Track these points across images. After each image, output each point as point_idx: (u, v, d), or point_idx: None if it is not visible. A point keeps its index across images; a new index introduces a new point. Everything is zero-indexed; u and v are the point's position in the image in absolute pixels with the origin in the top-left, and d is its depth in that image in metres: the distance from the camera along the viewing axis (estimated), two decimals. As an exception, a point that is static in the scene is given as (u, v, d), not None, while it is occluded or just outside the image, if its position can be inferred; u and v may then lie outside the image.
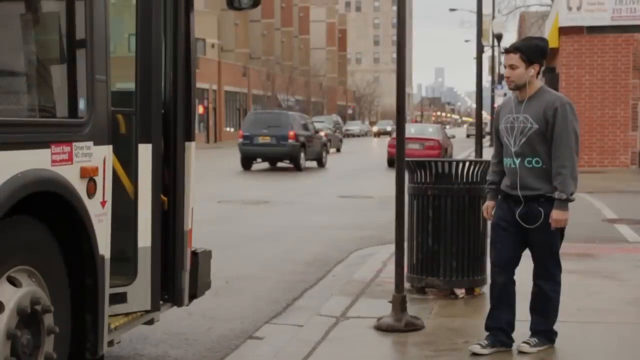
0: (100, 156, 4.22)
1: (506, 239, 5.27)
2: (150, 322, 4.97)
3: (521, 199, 5.15)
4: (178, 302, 5.16)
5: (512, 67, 5.14)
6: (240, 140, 26.12)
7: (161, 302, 4.96)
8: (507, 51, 5.23)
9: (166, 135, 4.95)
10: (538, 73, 5.21)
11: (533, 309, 5.40)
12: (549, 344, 5.37)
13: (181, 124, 5.04)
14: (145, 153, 4.64)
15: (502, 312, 5.34)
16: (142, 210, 4.69)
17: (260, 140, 25.74)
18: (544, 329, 5.37)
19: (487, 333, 5.36)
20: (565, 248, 9.76)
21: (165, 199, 4.97)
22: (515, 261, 5.34)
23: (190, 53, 5.03)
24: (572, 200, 5.09)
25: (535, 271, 5.37)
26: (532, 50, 5.14)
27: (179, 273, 5.08)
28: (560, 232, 5.26)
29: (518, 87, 5.18)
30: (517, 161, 5.17)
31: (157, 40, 4.78)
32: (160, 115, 4.54)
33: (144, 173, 4.67)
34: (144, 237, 4.67)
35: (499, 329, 5.33)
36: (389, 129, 59.23)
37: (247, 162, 26.25)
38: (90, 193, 4.12)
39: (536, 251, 5.31)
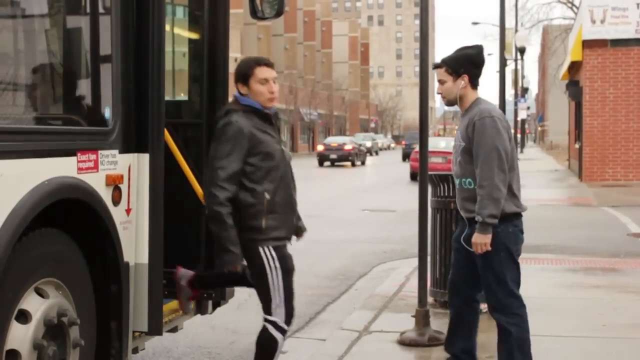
0: (126, 164, 4.26)
1: (458, 261, 4.94)
2: (174, 330, 5.02)
3: (466, 220, 4.83)
4: (202, 310, 5.22)
5: (440, 82, 4.83)
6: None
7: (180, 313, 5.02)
8: (434, 66, 4.92)
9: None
10: (473, 83, 4.82)
11: (498, 343, 4.89)
12: None
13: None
14: (142, 163, 4.44)
15: (458, 339, 4.99)
16: (140, 224, 4.47)
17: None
18: None
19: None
20: (590, 262, 9.78)
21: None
22: (469, 284, 4.91)
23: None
24: (491, 224, 4.58)
25: (487, 302, 4.90)
26: (457, 61, 4.78)
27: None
28: (507, 259, 4.71)
29: (451, 102, 4.84)
30: (457, 181, 4.86)
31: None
32: (162, 124, 4.50)
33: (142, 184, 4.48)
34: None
35: (455, 355, 5.03)
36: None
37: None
38: (116, 201, 4.17)
39: (482, 278, 4.79)
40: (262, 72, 4.53)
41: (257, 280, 4.51)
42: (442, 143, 26.77)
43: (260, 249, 4.43)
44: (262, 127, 4.49)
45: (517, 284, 4.78)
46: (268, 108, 4.57)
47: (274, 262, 4.46)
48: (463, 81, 4.77)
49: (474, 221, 4.69)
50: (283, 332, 4.50)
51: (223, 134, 4.42)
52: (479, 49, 4.88)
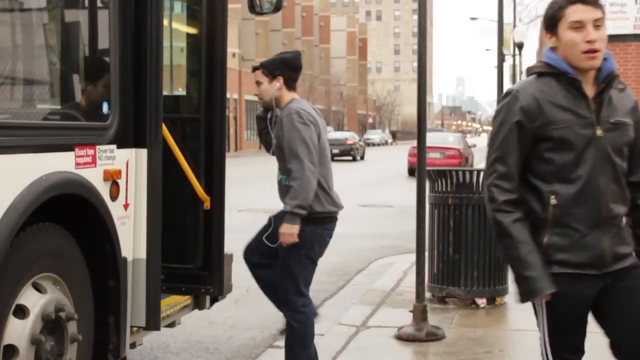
0: (124, 159, 4.26)
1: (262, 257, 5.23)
2: (171, 325, 5.04)
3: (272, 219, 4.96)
4: (200, 305, 5.23)
5: (257, 83, 5.03)
6: None
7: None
8: (253, 69, 5.10)
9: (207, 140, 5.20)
10: (288, 85, 4.96)
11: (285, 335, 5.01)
12: None
13: (218, 130, 5.21)
14: (140, 158, 4.43)
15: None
16: (138, 219, 4.45)
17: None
18: None
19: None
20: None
21: (208, 198, 5.16)
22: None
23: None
24: (299, 215, 4.67)
25: (278, 293, 5.03)
26: (273, 64, 4.99)
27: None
28: (306, 258, 4.84)
29: (267, 103, 5.00)
30: (277, 179, 5.05)
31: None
32: (160, 119, 4.50)
33: (140, 179, 4.46)
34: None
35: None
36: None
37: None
38: (113, 196, 4.17)
39: (279, 269, 4.91)
40: (575, 12, 3.06)
41: None
42: (450, 138, 26.80)
43: None
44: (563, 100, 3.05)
45: (308, 283, 4.91)
46: (584, 70, 3.10)
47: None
48: (278, 83, 4.94)
49: (283, 214, 4.82)
50: None
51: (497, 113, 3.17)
52: (295, 54, 5.12)
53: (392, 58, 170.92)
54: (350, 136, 45.53)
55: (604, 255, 3.02)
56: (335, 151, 43.10)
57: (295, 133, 4.73)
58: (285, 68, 4.96)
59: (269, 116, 5.09)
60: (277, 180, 5.01)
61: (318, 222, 4.81)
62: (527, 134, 3.01)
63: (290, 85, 4.98)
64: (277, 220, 4.94)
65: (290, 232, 4.69)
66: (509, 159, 3.05)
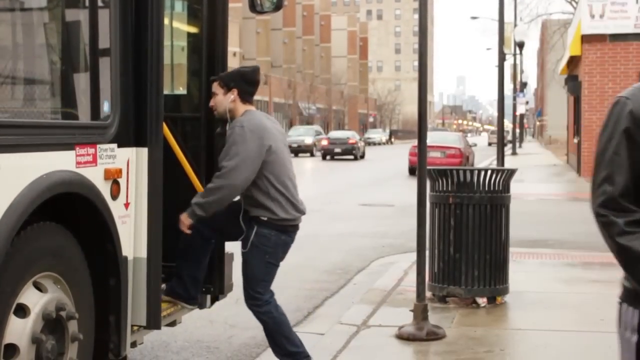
0: (124, 158, 4.26)
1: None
2: (172, 324, 5.05)
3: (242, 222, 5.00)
4: (200, 304, 5.24)
5: (213, 94, 5.07)
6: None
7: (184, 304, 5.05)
8: (211, 80, 5.13)
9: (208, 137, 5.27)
10: (242, 98, 5.00)
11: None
12: None
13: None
14: (141, 157, 4.43)
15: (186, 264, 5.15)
16: (139, 218, 4.46)
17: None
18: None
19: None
20: (588, 257, 9.78)
21: None
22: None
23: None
24: (197, 215, 4.83)
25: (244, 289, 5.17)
26: (229, 76, 5.05)
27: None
28: (266, 261, 4.97)
29: (221, 114, 5.04)
30: None
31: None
32: (161, 118, 4.50)
33: (140, 178, 4.47)
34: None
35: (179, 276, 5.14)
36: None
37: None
38: (114, 195, 4.17)
39: (243, 267, 5.08)
40: None
41: None
42: (434, 137, 26.76)
43: None
44: None
45: (269, 284, 5.05)
46: None
47: None
48: (232, 95, 4.97)
49: (253, 220, 4.90)
50: None
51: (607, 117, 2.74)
52: (254, 69, 5.14)
53: (393, 57, 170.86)
54: (351, 135, 46.00)
55: None
56: (338, 150, 43.54)
57: (229, 145, 4.81)
58: (241, 81, 5.00)
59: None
60: None
61: (282, 229, 4.94)
62: (637, 144, 2.53)
63: (245, 98, 5.02)
64: (248, 227, 4.97)
65: (184, 222, 4.87)
66: (620, 176, 2.58)
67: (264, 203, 4.88)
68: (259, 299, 5.00)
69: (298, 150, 47.08)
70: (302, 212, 5.05)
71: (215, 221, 5.01)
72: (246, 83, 5.01)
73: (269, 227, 4.91)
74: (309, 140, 48.49)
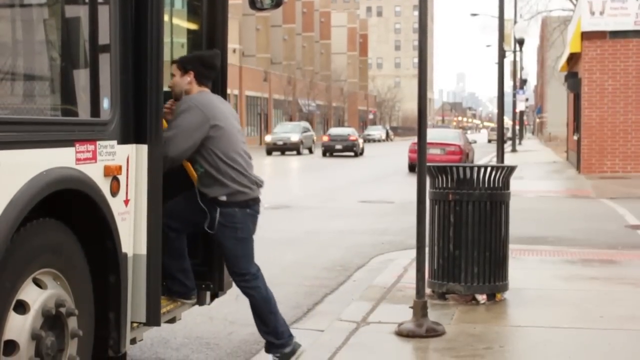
0: (124, 155, 4.26)
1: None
2: (172, 321, 5.06)
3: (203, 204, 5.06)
4: (200, 301, 5.24)
5: (172, 75, 5.17)
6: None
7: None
8: (172, 62, 5.23)
9: None
10: (199, 80, 5.10)
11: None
12: None
13: None
14: (141, 154, 4.43)
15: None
16: (139, 215, 4.45)
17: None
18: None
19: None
20: (587, 254, 9.78)
21: None
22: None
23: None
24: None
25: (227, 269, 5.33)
26: (187, 58, 5.17)
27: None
28: (240, 237, 5.10)
29: (177, 95, 5.14)
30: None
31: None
32: (161, 115, 4.50)
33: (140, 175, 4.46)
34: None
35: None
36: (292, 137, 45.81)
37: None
38: (114, 191, 4.17)
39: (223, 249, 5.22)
40: None
41: None
42: (433, 134, 26.72)
43: None
44: None
45: (251, 258, 5.21)
46: None
47: None
48: (189, 77, 5.09)
49: (213, 202, 5.00)
50: None
51: None
52: (213, 53, 5.24)
53: (393, 54, 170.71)
54: (352, 132, 46.25)
55: None
56: (339, 147, 43.67)
57: (176, 119, 4.94)
58: (198, 64, 5.11)
59: None
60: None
61: (243, 205, 5.08)
62: None
63: (201, 81, 5.13)
64: (210, 209, 5.05)
65: None
66: None
67: (216, 179, 4.98)
68: (246, 274, 5.16)
69: (284, 148, 45.29)
70: (257, 184, 5.14)
71: (180, 215, 5.08)
72: (203, 66, 5.13)
73: (230, 206, 5.03)
74: (295, 138, 45.86)
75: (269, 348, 5.32)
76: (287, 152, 45.50)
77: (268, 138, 47.22)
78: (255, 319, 5.29)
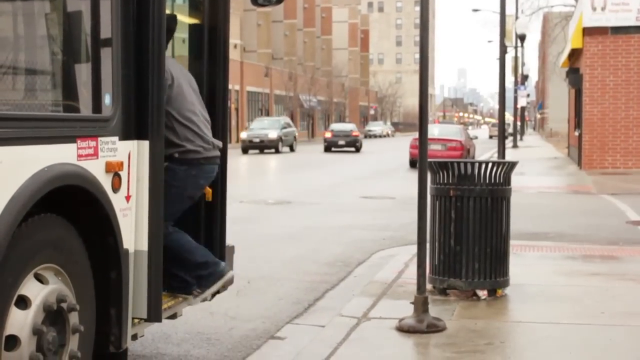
0: (126, 151, 4.27)
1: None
2: (173, 317, 5.05)
3: None
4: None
5: None
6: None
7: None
8: None
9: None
10: None
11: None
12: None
13: (220, 122, 5.37)
14: (142, 150, 4.43)
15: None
16: (140, 211, 4.45)
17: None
18: None
19: None
20: (588, 250, 9.80)
21: (210, 190, 5.25)
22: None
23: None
24: None
25: None
26: None
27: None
28: (172, 193, 4.93)
29: None
30: None
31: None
32: (162, 111, 4.51)
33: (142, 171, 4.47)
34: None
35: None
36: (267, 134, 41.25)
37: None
38: (115, 188, 4.17)
39: None
40: None
41: None
42: (435, 130, 26.76)
43: None
44: None
45: (174, 216, 5.03)
46: None
47: None
48: None
49: (168, 160, 4.87)
50: None
51: None
52: (170, 16, 5.05)
53: (394, 50, 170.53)
54: (353, 127, 46.68)
55: None
56: (342, 142, 43.91)
57: None
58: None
59: None
60: None
61: (193, 163, 4.99)
62: None
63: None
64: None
65: None
66: None
67: (172, 139, 4.91)
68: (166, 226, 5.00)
69: (261, 146, 40.72)
70: (210, 144, 5.09)
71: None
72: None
73: (179, 163, 4.96)
74: (273, 135, 40.85)
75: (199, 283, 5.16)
76: (265, 150, 41.30)
77: (243, 135, 42.27)
78: (174, 269, 5.06)
